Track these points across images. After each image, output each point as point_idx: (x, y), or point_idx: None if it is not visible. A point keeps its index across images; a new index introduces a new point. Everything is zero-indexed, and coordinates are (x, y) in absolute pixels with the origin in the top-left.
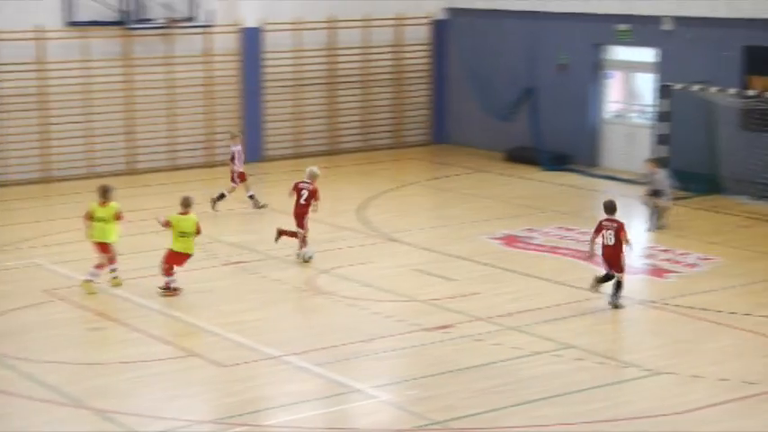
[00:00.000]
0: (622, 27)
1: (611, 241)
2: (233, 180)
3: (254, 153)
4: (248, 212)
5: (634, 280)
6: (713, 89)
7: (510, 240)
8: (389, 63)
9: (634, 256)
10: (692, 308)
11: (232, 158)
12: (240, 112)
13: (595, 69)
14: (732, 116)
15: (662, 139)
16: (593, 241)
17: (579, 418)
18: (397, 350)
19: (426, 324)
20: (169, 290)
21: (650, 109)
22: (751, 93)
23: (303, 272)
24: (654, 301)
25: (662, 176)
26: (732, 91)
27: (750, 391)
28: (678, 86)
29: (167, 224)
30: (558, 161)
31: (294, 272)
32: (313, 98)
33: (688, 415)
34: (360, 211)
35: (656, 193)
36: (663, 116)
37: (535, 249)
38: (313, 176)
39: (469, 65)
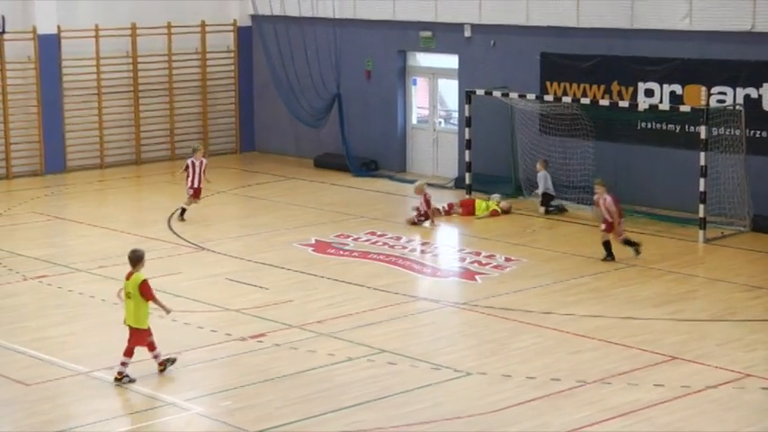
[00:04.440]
0: (425, 34)
1: None
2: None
3: (56, 164)
4: (48, 225)
5: (445, 283)
6: (513, 95)
7: (322, 247)
8: (195, 71)
9: (448, 259)
10: (501, 308)
11: (187, 169)
12: (38, 122)
13: (401, 76)
14: (531, 121)
15: (467, 144)
16: None
17: (396, 421)
18: (209, 361)
19: (239, 333)
20: None
21: (455, 114)
22: (548, 98)
23: (109, 284)
24: (464, 303)
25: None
26: (531, 96)
27: (556, 387)
28: (480, 92)
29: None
30: (367, 167)
31: (100, 285)
32: (116, 106)
33: (499, 414)
34: (168, 221)
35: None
36: (466, 121)
37: (347, 255)
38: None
39: (276, 72)
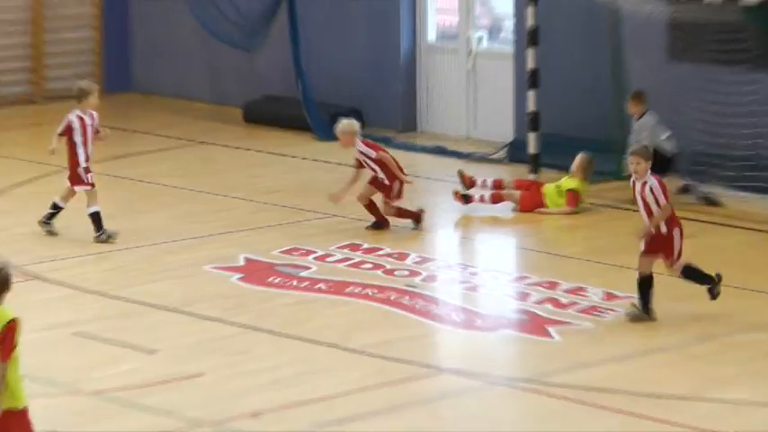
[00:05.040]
0: None
1: None
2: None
3: None
4: None
5: (491, 341)
6: None
7: (258, 272)
8: None
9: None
10: (598, 390)
11: (69, 132)
12: None
13: None
14: (653, 37)
15: (530, 80)
16: None
17: None
18: None
19: None
20: None
21: (509, 25)
22: None
23: None
24: (529, 380)
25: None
26: None
27: None
28: None
29: None
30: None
31: None
32: None
33: None
34: None
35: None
36: (530, 37)
37: (306, 288)
38: None
39: None
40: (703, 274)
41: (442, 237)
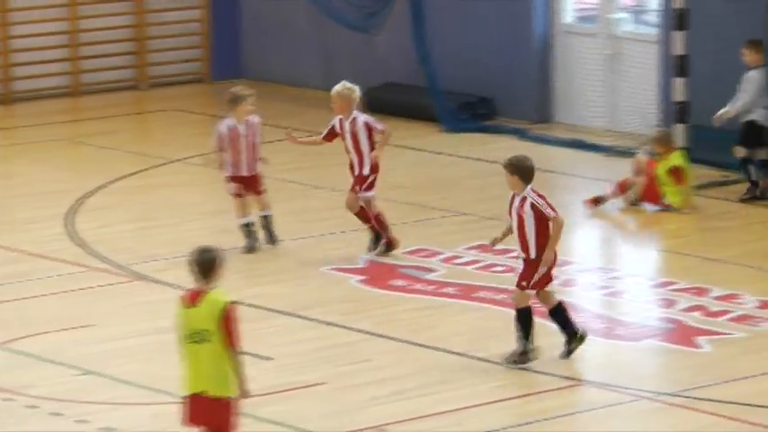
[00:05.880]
0: None
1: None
2: None
3: None
4: None
5: (635, 351)
6: None
7: (380, 274)
8: None
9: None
10: (755, 406)
11: (222, 142)
12: None
13: None
14: None
15: (678, 66)
16: None
17: None
18: None
19: None
20: None
21: (654, 6)
22: None
23: None
24: (676, 394)
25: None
26: None
27: None
28: None
29: None
30: (472, 112)
31: None
32: None
33: None
34: (69, 218)
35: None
36: (678, 19)
37: (432, 292)
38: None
39: None
40: (569, 321)
41: (580, 238)
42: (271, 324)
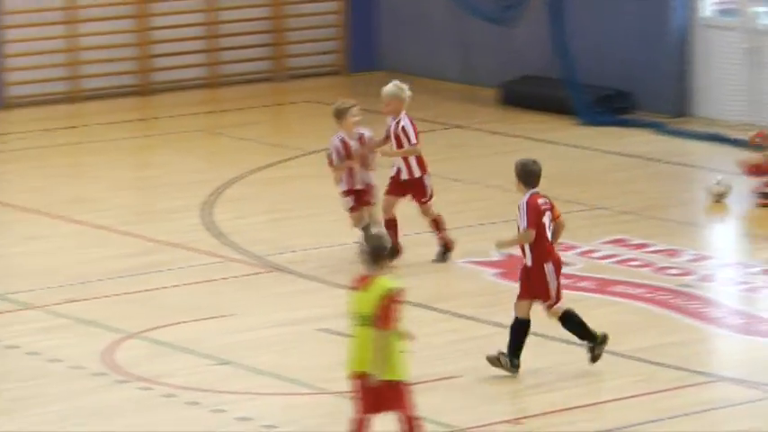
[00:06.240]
0: None
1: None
2: None
3: None
4: None
5: None
6: None
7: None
8: None
9: None
10: None
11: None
12: None
13: None
14: None
15: None
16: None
17: None
18: None
19: None
20: None
21: None
22: None
23: (91, 337)
24: None
25: None
26: None
27: None
28: None
29: None
30: (609, 106)
31: (71, 338)
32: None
33: None
34: (206, 209)
35: None
36: None
37: (572, 287)
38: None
39: None
40: (585, 329)
41: (720, 232)
42: (405, 316)
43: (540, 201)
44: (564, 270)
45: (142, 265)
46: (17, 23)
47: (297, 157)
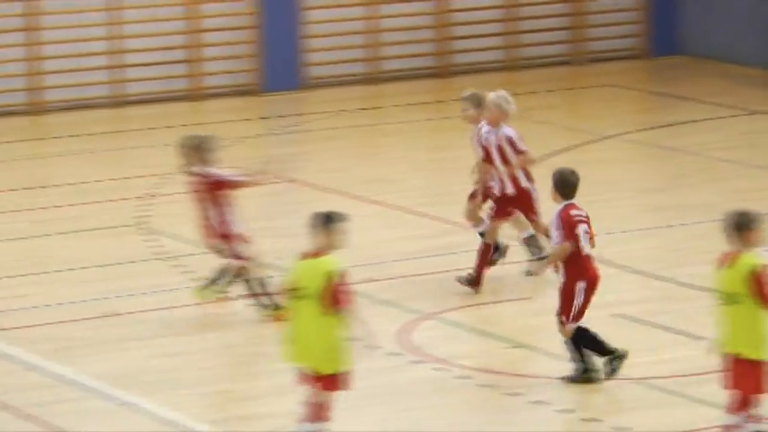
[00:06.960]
0: None
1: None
2: None
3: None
4: None
5: None
6: None
7: None
8: None
9: None
10: None
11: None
12: None
13: None
14: None
15: None
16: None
17: None
18: None
19: None
20: None
21: None
22: None
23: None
24: None
25: None
26: None
27: None
28: None
29: None
30: None
31: None
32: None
33: None
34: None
35: None
36: None
37: None
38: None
39: None
40: (601, 344)
41: None
42: (702, 304)
43: (573, 212)
44: None
45: (437, 247)
46: (318, 5)
47: (594, 141)
